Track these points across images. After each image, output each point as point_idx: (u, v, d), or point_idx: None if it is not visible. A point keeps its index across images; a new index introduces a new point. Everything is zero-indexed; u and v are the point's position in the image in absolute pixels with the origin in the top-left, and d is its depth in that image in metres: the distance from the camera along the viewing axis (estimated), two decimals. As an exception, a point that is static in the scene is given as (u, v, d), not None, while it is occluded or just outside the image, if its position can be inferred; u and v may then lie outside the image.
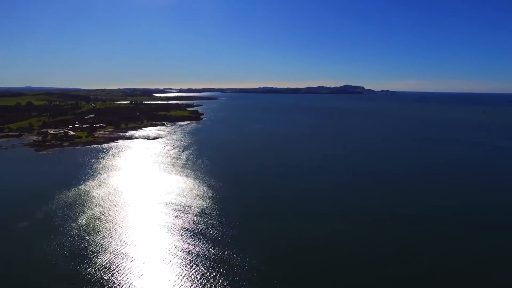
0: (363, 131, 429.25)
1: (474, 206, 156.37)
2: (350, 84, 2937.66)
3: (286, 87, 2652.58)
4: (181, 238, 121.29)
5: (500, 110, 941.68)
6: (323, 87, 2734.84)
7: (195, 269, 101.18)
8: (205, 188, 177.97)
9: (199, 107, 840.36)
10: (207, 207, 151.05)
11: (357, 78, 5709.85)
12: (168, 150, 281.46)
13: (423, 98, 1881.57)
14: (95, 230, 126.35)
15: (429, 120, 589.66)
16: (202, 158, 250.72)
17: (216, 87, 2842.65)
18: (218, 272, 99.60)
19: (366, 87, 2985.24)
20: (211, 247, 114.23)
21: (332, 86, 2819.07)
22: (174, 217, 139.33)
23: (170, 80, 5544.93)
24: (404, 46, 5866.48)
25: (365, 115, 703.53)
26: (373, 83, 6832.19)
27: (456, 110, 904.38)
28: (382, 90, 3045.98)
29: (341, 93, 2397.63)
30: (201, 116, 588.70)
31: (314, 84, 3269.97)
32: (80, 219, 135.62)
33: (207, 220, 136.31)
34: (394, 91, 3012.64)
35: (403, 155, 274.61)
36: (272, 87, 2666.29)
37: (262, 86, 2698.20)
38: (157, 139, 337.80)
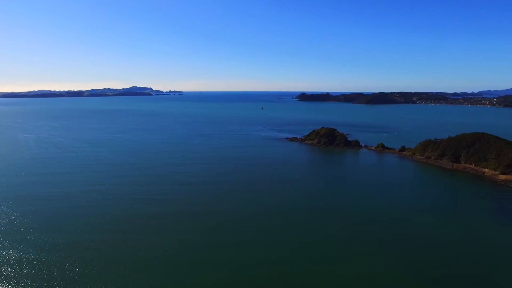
0: (142, 131, 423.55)
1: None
2: (138, 86, 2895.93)
3: (66, 89, 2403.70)
4: None
5: (274, 106, 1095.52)
6: (109, 89, 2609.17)
7: None
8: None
9: None
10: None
11: (145, 79, 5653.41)
12: None
13: (207, 97, 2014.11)
14: None
15: (210, 117, 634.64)
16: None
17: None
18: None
19: (155, 88, 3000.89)
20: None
21: (119, 87, 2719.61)
22: None
23: None
24: (189, 47, 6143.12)
25: (148, 116, 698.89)
26: (162, 84, 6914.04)
27: (241, 107, 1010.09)
28: (170, 91, 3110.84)
29: (129, 95, 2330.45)
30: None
31: (100, 86, 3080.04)
32: None
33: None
34: (181, 92, 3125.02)
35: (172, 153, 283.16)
36: (49, 90, 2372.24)
37: (36, 89, 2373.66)
38: None
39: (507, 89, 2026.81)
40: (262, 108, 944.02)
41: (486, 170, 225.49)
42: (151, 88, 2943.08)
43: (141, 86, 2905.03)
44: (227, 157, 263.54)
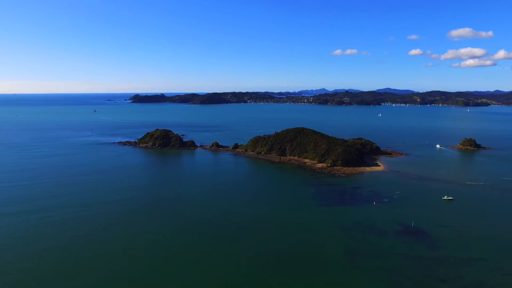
0: None
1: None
2: None
3: None
4: None
5: (106, 108, 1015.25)
6: None
7: None
8: None
9: None
10: None
11: None
12: None
13: (24, 101, 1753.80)
14: None
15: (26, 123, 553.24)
16: None
17: None
18: None
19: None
20: None
21: None
22: None
23: None
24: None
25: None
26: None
27: (68, 111, 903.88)
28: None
29: None
30: None
31: None
32: None
33: None
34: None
35: None
36: None
37: None
38: None
39: (319, 89, 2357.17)
40: (95, 111, 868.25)
41: (307, 160, 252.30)
42: None
43: None
44: (50, 171, 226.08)
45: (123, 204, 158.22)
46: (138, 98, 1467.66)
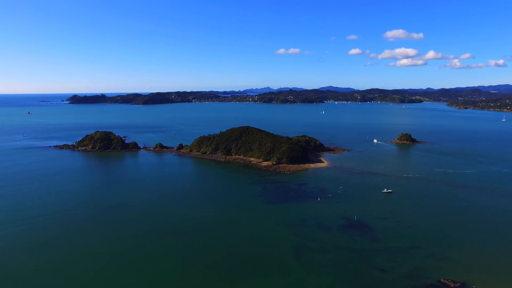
0: None
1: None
2: None
3: None
4: None
5: (41, 110, 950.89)
6: None
7: None
8: None
9: None
10: None
11: None
12: None
13: None
14: None
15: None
16: None
17: None
18: None
19: None
20: None
21: None
22: None
23: None
24: None
25: None
26: None
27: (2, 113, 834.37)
28: None
29: None
30: None
31: None
32: None
33: None
34: None
35: None
36: None
37: None
38: None
39: (264, 88, 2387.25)
40: (29, 113, 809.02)
41: (252, 159, 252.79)
42: None
43: None
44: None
45: (64, 217, 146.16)
46: (77, 99, 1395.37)
